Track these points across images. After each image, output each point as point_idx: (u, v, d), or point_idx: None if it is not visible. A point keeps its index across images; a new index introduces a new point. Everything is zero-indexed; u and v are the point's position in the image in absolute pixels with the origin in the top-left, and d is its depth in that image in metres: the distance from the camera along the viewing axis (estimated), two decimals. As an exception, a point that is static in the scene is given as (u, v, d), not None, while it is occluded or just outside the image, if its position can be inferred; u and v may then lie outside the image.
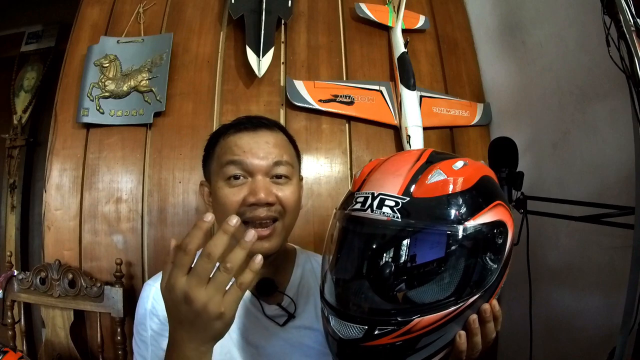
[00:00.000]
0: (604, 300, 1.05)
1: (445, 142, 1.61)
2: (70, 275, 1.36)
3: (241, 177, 0.76)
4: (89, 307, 1.35)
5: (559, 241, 1.21)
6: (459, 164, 0.59)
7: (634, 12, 0.77)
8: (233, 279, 0.51)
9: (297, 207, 0.80)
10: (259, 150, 0.76)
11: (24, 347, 1.46)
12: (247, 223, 0.73)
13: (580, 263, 1.15)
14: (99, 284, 1.34)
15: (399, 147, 1.53)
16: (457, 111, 1.61)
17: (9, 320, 1.39)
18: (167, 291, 0.51)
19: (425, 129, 1.50)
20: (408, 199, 0.56)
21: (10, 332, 1.40)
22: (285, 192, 0.77)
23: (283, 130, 0.85)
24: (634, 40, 0.76)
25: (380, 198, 0.57)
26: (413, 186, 0.57)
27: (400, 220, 0.55)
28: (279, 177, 0.77)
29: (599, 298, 1.07)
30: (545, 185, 1.28)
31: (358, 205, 0.59)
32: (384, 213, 0.56)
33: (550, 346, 1.20)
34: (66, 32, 1.69)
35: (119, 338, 1.33)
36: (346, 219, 0.62)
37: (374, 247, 0.60)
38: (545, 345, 1.20)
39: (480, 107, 1.65)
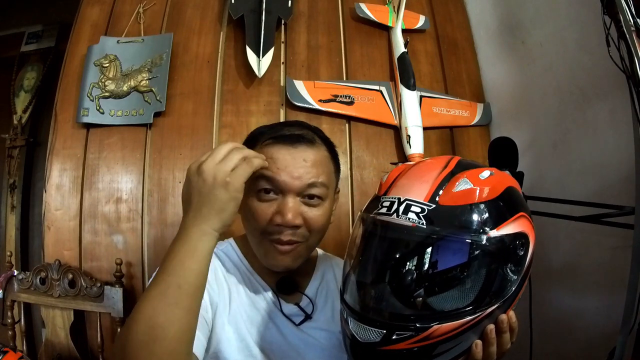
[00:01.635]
0: (604, 300, 1.05)
1: (446, 142, 1.61)
2: (70, 275, 1.36)
3: (271, 192, 0.74)
4: (89, 307, 1.35)
5: (559, 241, 1.21)
6: (486, 173, 0.60)
7: (634, 12, 0.77)
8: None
9: (324, 228, 0.79)
10: (294, 169, 0.73)
11: (24, 347, 1.46)
12: (271, 240, 0.74)
13: (580, 263, 1.15)
14: (99, 284, 1.34)
15: (399, 147, 1.52)
16: (457, 111, 1.61)
17: (9, 320, 1.39)
18: (186, 176, 0.63)
19: (425, 129, 1.49)
20: (434, 206, 0.57)
21: (10, 332, 1.40)
22: (314, 214, 0.75)
23: (325, 141, 0.82)
24: (634, 40, 0.76)
25: (407, 203, 0.58)
26: (440, 193, 0.58)
27: (425, 226, 0.56)
28: (311, 197, 0.75)
29: (599, 298, 1.07)
30: (545, 185, 1.28)
31: (384, 210, 0.60)
32: (409, 219, 0.57)
33: (550, 346, 1.20)
34: (66, 32, 1.69)
35: (119, 338, 1.33)
36: (371, 223, 0.62)
37: (398, 252, 0.60)
38: (545, 345, 1.20)
39: (480, 107, 1.65)
